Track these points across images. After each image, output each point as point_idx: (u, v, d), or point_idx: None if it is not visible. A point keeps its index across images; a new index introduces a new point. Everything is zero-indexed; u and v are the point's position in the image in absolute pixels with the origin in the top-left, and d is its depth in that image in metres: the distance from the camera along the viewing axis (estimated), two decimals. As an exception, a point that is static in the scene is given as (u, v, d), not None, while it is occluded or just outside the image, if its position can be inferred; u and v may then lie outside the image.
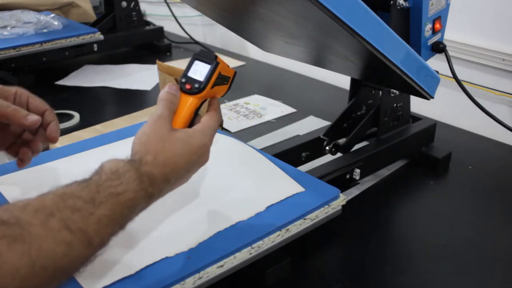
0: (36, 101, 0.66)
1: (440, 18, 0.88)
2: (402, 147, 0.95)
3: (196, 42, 1.75)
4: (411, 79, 0.78)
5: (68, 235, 0.44)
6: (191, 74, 0.59)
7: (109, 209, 0.48)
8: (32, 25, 1.42)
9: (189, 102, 0.58)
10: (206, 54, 0.60)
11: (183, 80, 0.59)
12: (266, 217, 0.65)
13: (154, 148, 0.53)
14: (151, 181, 0.51)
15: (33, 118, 0.62)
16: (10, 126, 0.65)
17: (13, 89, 0.65)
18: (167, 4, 1.77)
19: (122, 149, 0.82)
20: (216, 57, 0.59)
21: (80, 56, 1.50)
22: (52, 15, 1.51)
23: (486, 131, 1.12)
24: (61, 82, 1.42)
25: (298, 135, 1.01)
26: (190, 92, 0.59)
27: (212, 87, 0.59)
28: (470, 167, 1.00)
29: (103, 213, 0.47)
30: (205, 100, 0.61)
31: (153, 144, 0.54)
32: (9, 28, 1.40)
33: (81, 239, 0.45)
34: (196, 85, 0.58)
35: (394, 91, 0.92)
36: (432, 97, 0.85)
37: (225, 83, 0.61)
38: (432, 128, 1.01)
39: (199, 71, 0.59)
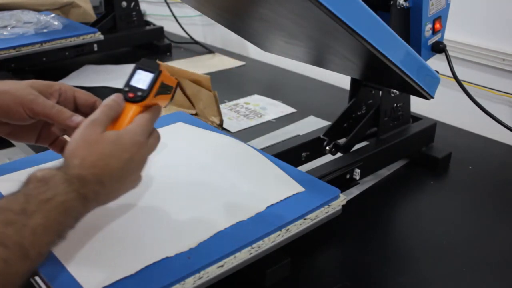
0: (83, 95, 0.66)
1: (440, 18, 0.88)
2: (402, 147, 0.95)
3: (196, 42, 1.75)
4: (411, 79, 0.78)
5: (3, 252, 0.43)
6: (133, 82, 0.59)
7: (42, 217, 0.46)
8: (32, 25, 1.42)
9: (132, 110, 0.58)
10: (149, 63, 0.60)
11: (126, 89, 0.59)
12: (266, 217, 0.65)
13: (81, 152, 0.52)
14: (82, 182, 0.50)
15: (78, 119, 0.61)
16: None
17: (56, 86, 0.65)
18: (167, 4, 1.77)
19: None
20: (159, 66, 0.59)
21: (80, 56, 1.50)
22: (52, 15, 1.51)
23: (486, 131, 1.12)
24: (61, 82, 1.41)
25: (298, 135, 1.01)
26: (133, 100, 0.58)
27: (156, 95, 0.59)
28: (470, 167, 1.00)
29: (37, 222, 0.45)
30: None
31: (80, 149, 0.52)
32: (9, 28, 1.40)
33: (17, 253, 0.44)
34: (139, 93, 0.58)
35: (394, 91, 0.92)
36: (432, 97, 0.85)
37: (168, 92, 0.61)
38: (432, 128, 1.01)
39: (142, 80, 0.59)
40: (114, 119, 0.57)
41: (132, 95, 0.58)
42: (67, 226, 0.49)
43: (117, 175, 0.53)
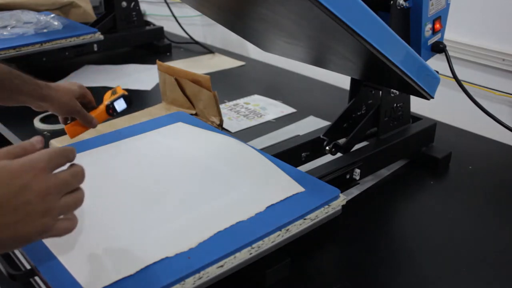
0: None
1: (440, 18, 0.88)
2: (402, 147, 0.95)
3: (196, 42, 1.75)
4: (411, 79, 0.78)
5: None
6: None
7: None
8: (32, 25, 1.42)
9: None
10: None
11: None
12: (266, 217, 0.65)
13: None
14: None
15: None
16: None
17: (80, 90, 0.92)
18: (167, 4, 1.77)
19: (121, 149, 0.82)
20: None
21: (80, 56, 1.50)
22: (52, 15, 1.51)
23: (486, 131, 1.12)
24: (61, 82, 1.41)
25: (298, 135, 1.01)
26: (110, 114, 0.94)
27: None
28: (470, 167, 1.00)
29: None
30: None
31: None
32: (9, 28, 1.40)
33: None
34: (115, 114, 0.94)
35: (394, 91, 0.92)
36: (432, 97, 0.85)
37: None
38: (432, 128, 1.01)
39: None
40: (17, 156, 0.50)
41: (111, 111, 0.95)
42: None
43: (6, 203, 0.46)
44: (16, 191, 0.46)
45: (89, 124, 0.91)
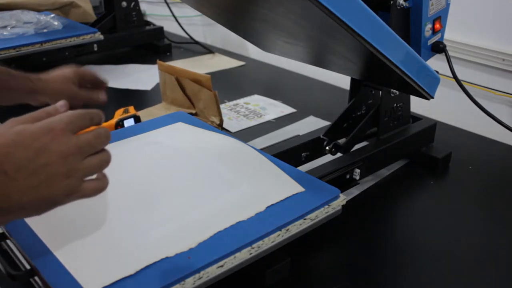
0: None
1: (440, 18, 0.88)
2: (402, 147, 0.95)
3: (196, 42, 1.75)
4: (411, 79, 0.78)
5: None
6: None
7: None
8: (32, 25, 1.42)
9: None
10: None
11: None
12: (266, 217, 0.65)
13: None
14: None
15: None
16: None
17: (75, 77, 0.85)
18: (167, 4, 1.77)
19: (121, 149, 0.82)
20: None
21: (80, 56, 1.50)
22: (52, 15, 1.51)
23: (486, 131, 1.12)
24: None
25: (298, 135, 1.01)
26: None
27: None
28: (470, 167, 1.00)
29: None
30: None
31: None
32: (9, 28, 1.40)
33: None
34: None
35: (394, 91, 0.92)
36: (432, 97, 0.85)
37: None
38: (432, 128, 1.01)
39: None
40: (35, 118, 0.51)
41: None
42: None
43: (26, 165, 0.46)
44: (34, 154, 0.46)
45: (96, 101, 0.87)
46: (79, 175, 0.49)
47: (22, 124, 0.48)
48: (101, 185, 0.52)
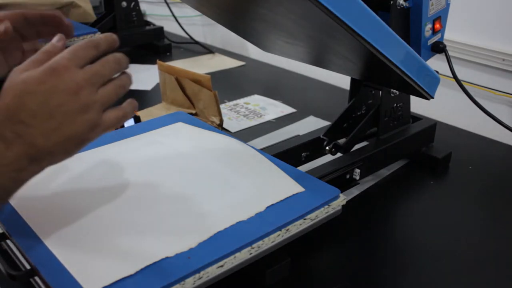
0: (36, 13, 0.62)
1: (440, 18, 0.88)
2: (402, 147, 0.95)
3: (196, 42, 1.75)
4: (411, 79, 0.78)
5: None
6: None
7: None
8: (32, 25, 1.42)
9: None
10: None
11: None
12: (266, 217, 0.65)
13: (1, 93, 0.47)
14: None
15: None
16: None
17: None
18: (167, 4, 1.77)
19: (121, 149, 0.82)
20: None
21: (80, 56, 1.50)
22: (52, 15, 1.51)
23: (486, 131, 1.12)
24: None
25: (298, 135, 1.01)
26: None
27: None
28: (470, 167, 1.00)
29: None
30: None
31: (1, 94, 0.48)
32: (9, 28, 1.40)
33: None
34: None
35: (394, 91, 0.92)
36: (432, 97, 0.85)
37: None
38: (432, 128, 1.01)
39: None
40: (42, 63, 0.49)
41: None
42: None
43: (40, 110, 0.46)
44: (44, 97, 0.46)
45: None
46: (96, 107, 0.48)
47: (26, 71, 0.48)
48: (122, 113, 0.51)
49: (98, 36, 0.50)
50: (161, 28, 1.74)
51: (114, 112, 0.51)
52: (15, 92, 0.47)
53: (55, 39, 0.52)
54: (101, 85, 0.49)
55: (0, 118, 0.46)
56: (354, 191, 0.90)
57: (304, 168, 0.88)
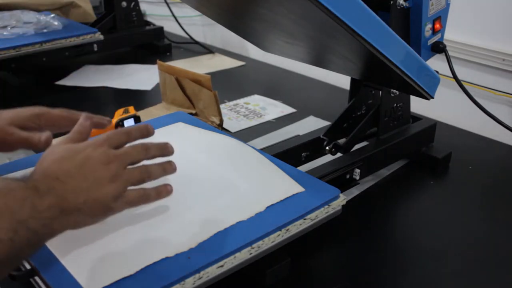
0: (63, 116, 0.69)
1: (440, 18, 0.88)
2: (402, 147, 0.95)
3: (196, 42, 1.75)
4: (411, 79, 0.78)
5: None
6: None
7: None
8: (32, 25, 1.42)
9: None
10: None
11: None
12: (266, 217, 0.65)
13: (37, 165, 0.55)
14: (32, 179, 0.53)
15: (43, 137, 0.66)
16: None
17: (33, 115, 0.69)
18: (167, 4, 1.77)
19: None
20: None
21: (80, 56, 1.50)
22: (52, 15, 1.51)
23: (486, 131, 1.12)
24: (61, 82, 1.42)
25: (298, 135, 1.01)
26: None
27: None
28: (470, 167, 1.00)
29: None
30: None
31: (37, 164, 0.55)
32: (9, 28, 1.40)
33: None
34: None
35: (394, 91, 0.92)
36: (432, 97, 0.85)
37: None
38: (432, 128, 1.01)
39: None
40: (74, 139, 0.60)
41: None
42: (24, 215, 0.49)
43: (75, 171, 0.54)
44: (80, 163, 0.54)
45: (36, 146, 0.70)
46: (122, 180, 0.55)
47: (66, 144, 0.58)
48: (143, 192, 0.58)
49: (131, 127, 0.61)
50: (161, 28, 1.74)
51: (137, 190, 0.57)
52: (54, 157, 0.55)
53: (81, 119, 0.62)
54: (129, 164, 0.57)
55: (38, 176, 0.53)
56: (354, 191, 0.90)
57: (304, 168, 0.88)
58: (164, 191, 0.60)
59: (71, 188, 0.53)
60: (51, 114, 0.70)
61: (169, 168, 0.61)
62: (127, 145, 0.59)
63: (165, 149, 0.62)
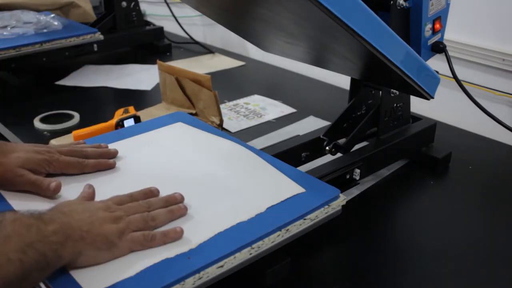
0: (72, 160, 0.74)
1: (440, 18, 0.88)
2: (402, 147, 0.95)
3: (196, 42, 1.75)
4: (411, 79, 0.78)
5: None
6: None
7: None
8: (32, 25, 1.42)
9: None
10: None
11: None
12: (266, 217, 0.65)
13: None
14: (37, 213, 0.56)
15: (52, 185, 0.68)
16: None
17: (43, 161, 0.72)
18: (167, 4, 1.77)
19: (121, 149, 0.82)
20: None
21: (80, 56, 1.50)
22: (52, 15, 1.51)
23: (486, 131, 1.12)
24: (61, 82, 1.42)
25: (298, 135, 1.01)
26: None
27: None
28: (470, 167, 1.00)
29: None
30: None
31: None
32: (9, 28, 1.40)
33: None
34: None
35: (394, 91, 0.92)
36: (432, 97, 0.85)
37: None
38: (432, 128, 1.01)
39: None
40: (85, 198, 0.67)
41: None
42: (32, 237, 0.52)
43: (80, 209, 0.60)
44: (85, 206, 0.61)
45: (45, 192, 0.69)
46: (125, 222, 0.60)
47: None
48: (148, 234, 0.60)
49: (138, 191, 0.68)
50: (161, 28, 1.74)
51: (140, 235, 0.60)
52: (63, 204, 0.61)
53: (85, 187, 0.68)
54: (131, 214, 0.62)
55: (44, 211, 0.57)
56: (354, 191, 0.90)
57: (304, 168, 0.88)
58: (172, 233, 0.61)
59: (75, 219, 0.57)
60: (60, 162, 0.73)
61: (177, 211, 0.65)
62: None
63: (171, 199, 0.67)
